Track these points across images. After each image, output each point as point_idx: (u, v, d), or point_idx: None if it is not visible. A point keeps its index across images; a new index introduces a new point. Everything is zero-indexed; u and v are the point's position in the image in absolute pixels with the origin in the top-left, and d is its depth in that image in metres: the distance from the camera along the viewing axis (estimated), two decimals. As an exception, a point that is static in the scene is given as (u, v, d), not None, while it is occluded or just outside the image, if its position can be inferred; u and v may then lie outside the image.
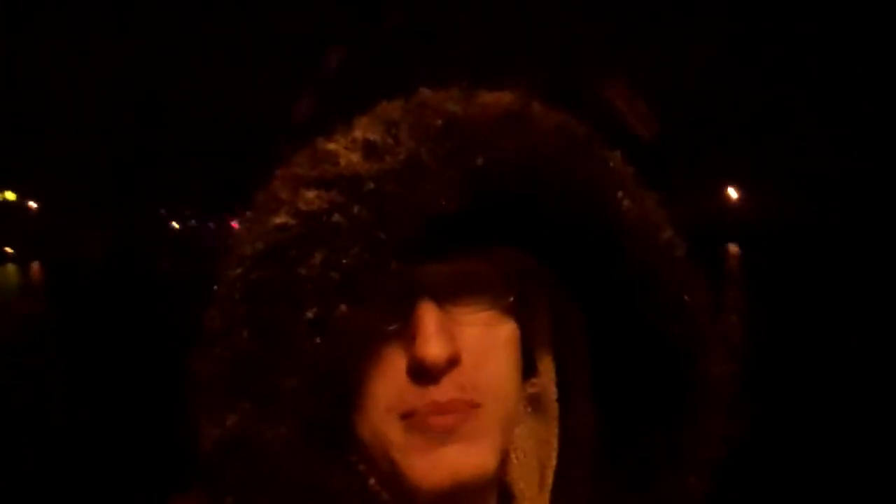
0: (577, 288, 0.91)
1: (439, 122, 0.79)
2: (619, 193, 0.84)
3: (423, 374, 0.81)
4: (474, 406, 0.84)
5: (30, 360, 14.39)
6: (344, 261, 0.75)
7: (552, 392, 0.94)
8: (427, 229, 0.77)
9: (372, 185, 0.76)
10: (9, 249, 54.99)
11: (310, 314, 0.75)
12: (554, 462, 0.93)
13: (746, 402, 0.91)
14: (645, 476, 0.91)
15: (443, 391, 0.82)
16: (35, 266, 50.33)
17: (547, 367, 0.94)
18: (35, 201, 61.17)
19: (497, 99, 0.83)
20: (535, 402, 0.94)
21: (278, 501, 0.77)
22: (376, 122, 0.81)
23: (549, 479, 0.93)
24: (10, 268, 51.45)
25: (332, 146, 0.80)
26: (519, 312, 0.90)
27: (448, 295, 0.84)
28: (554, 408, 0.94)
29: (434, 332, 0.81)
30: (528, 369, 0.93)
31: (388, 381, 0.82)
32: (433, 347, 0.81)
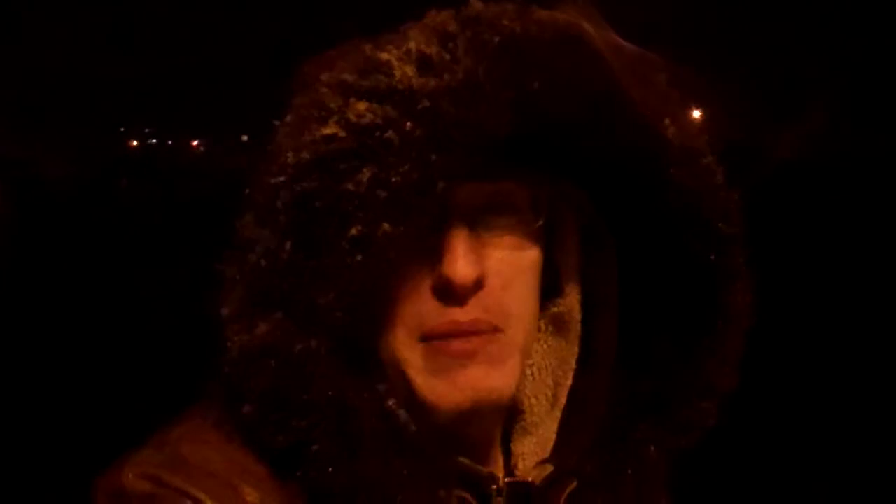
0: (611, 211, 0.91)
1: (496, 39, 0.77)
2: (667, 120, 0.84)
3: (449, 294, 0.82)
4: (496, 330, 0.85)
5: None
6: (393, 179, 0.73)
7: (576, 313, 0.95)
8: (476, 151, 0.76)
9: (427, 103, 0.74)
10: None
11: (354, 231, 0.74)
12: (569, 381, 0.95)
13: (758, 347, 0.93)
14: (660, 400, 0.93)
15: (466, 311, 0.83)
16: (-7, 184, 49.38)
17: (573, 290, 0.95)
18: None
19: (552, 18, 0.81)
20: (557, 322, 0.96)
21: (297, 413, 0.77)
22: (431, 35, 0.78)
23: (563, 399, 0.95)
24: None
25: (384, 56, 0.77)
26: (546, 236, 0.91)
27: (479, 215, 0.84)
28: (576, 329, 0.95)
29: (463, 254, 0.81)
30: (552, 290, 0.94)
31: (413, 301, 0.83)
32: (462, 268, 0.81)
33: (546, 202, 0.89)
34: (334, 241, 0.75)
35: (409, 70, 0.75)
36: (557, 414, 0.94)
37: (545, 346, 0.95)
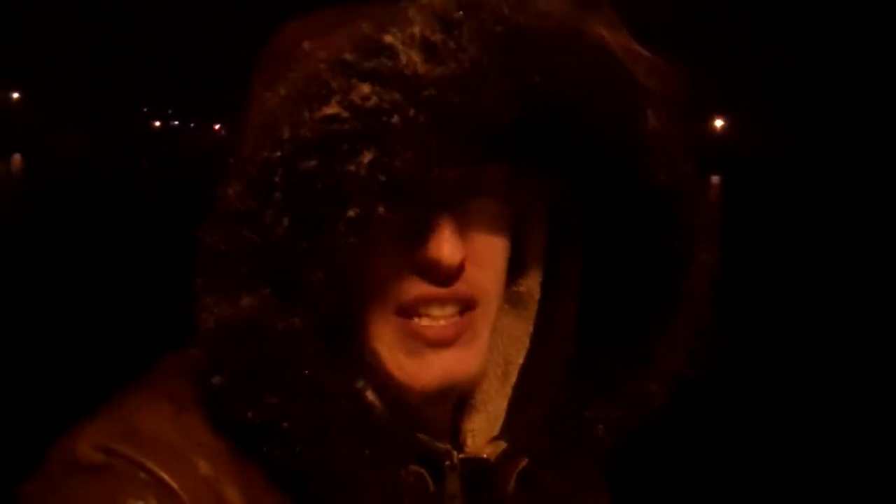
0: (583, 194, 0.92)
1: (500, 28, 0.77)
2: (649, 112, 0.85)
3: (433, 275, 0.82)
4: (471, 306, 0.86)
5: (10, 247, 14.40)
6: (395, 163, 0.73)
7: (536, 293, 0.96)
8: (475, 139, 0.77)
9: (433, 91, 0.74)
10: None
11: (351, 213, 0.74)
12: (521, 360, 0.96)
13: (721, 334, 0.95)
14: (611, 379, 0.94)
15: (448, 289, 0.84)
16: (16, 158, 49.76)
17: (535, 270, 0.96)
18: (18, 93, 60.20)
19: (551, 8, 0.81)
20: (515, 301, 0.96)
21: (271, 390, 0.76)
22: (432, 19, 0.77)
23: (513, 376, 0.95)
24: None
25: (388, 39, 0.76)
26: (517, 217, 0.92)
27: (461, 198, 0.84)
28: (534, 308, 0.96)
29: (449, 237, 0.82)
30: (515, 269, 0.94)
31: (392, 278, 0.83)
32: (449, 250, 0.81)
33: (524, 188, 0.91)
34: (331, 221, 0.74)
35: (415, 55, 0.75)
36: (508, 391, 0.95)
37: (498, 323, 0.94)
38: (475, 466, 0.89)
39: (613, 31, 0.85)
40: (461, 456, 0.89)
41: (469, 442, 0.93)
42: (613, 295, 0.93)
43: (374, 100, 0.73)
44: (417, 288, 0.82)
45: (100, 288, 10.72)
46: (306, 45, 0.81)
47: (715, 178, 35.11)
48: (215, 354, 0.76)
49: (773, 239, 16.37)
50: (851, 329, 9.30)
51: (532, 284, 0.96)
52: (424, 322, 0.83)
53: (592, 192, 0.90)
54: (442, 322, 0.84)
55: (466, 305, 0.85)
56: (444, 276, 0.82)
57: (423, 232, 0.82)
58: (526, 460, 0.91)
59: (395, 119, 0.73)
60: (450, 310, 0.84)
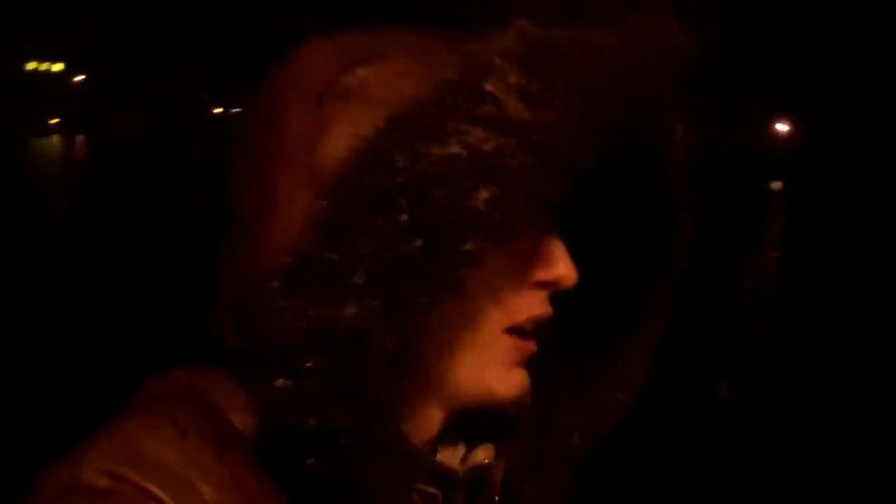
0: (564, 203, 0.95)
1: (579, 72, 0.83)
2: (677, 127, 0.93)
3: (557, 292, 0.90)
4: None
5: (70, 230, 14.68)
6: (508, 202, 0.78)
7: None
8: (570, 177, 0.83)
9: (539, 136, 0.79)
10: (54, 120, 55.28)
11: (468, 246, 0.78)
12: None
13: (780, 339, 0.98)
14: (582, 387, 0.99)
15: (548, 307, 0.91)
16: (79, 139, 50.66)
17: None
18: (82, 74, 61.21)
19: (607, 41, 0.86)
20: None
21: (342, 401, 0.77)
22: (518, 66, 0.82)
23: None
24: (55, 139, 51.78)
25: (488, 87, 0.80)
26: None
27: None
28: None
29: (566, 255, 0.90)
30: None
31: (508, 300, 0.88)
32: (572, 269, 0.90)
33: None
34: (450, 253, 0.78)
35: (518, 104, 0.80)
36: None
37: None
38: (473, 476, 0.93)
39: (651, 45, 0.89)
40: (464, 470, 0.93)
41: (453, 451, 0.95)
42: (589, 303, 0.98)
43: (491, 144, 0.79)
44: (535, 308, 0.89)
45: (158, 270, 10.89)
46: (360, 72, 0.85)
47: (777, 184, 34.71)
48: (293, 356, 0.77)
49: (836, 245, 16.01)
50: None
51: None
52: (531, 340, 0.90)
53: (585, 199, 0.94)
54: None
55: None
56: (565, 291, 0.90)
57: (535, 255, 0.90)
58: (503, 469, 0.96)
59: (511, 161, 0.79)
60: None
